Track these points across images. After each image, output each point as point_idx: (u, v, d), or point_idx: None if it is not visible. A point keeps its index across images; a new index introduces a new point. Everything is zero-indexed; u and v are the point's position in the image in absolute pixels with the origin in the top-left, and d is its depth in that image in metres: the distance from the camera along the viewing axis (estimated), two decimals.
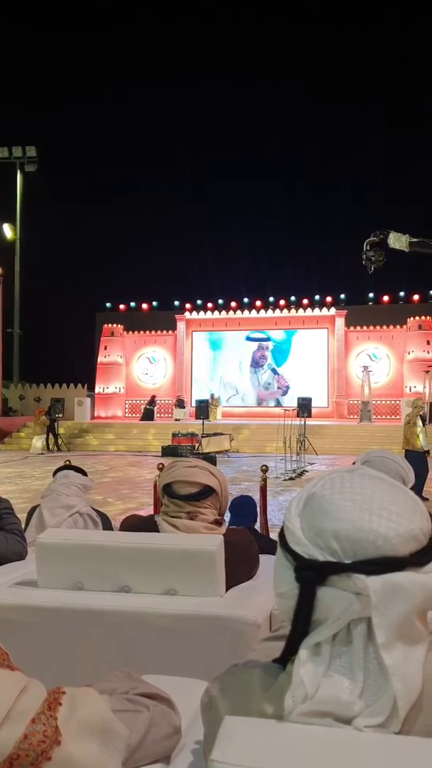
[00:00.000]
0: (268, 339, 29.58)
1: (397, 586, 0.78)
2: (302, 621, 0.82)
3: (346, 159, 44.43)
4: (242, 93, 46.48)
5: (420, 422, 10.23)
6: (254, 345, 29.69)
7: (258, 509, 4.56)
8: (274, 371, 29.41)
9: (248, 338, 29.76)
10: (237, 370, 29.60)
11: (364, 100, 43.44)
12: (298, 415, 17.67)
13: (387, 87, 44.23)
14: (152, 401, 26.83)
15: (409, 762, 0.74)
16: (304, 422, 17.76)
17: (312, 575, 0.81)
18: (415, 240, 7.99)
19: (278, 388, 29.23)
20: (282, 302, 29.73)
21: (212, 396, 26.03)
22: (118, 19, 47.96)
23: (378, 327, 28.48)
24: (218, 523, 2.23)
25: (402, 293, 29.90)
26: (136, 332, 30.71)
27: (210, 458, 14.59)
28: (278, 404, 27.08)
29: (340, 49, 45.12)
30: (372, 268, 8.64)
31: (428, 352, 26.98)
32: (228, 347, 29.85)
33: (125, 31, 46.57)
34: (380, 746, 0.76)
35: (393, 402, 26.71)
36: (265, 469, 6.16)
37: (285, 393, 28.61)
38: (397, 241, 7.81)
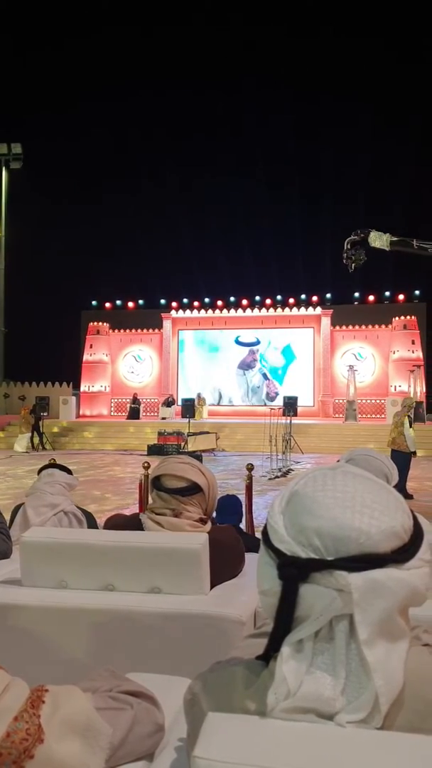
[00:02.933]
0: (258, 343, 29.60)
1: (378, 583, 0.79)
2: (285, 618, 0.82)
3: (332, 158, 44.55)
4: (227, 92, 46.43)
5: (408, 423, 10.25)
6: (244, 349, 29.68)
7: (243, 508, 4.58)
8: (265, 376, 29.41)
9: (237, 342, 29.75)
10: (225, 372, 29.56)
11: (351, 99, 43.54)
12: (283, 414, 17.73)
13: (374, 86, 44.39)
14: (135, 400, 26.76)
15: (391, 757, 0.75)
16: (290, 421, 17.81)
17: (294, 572, 0.81)
18: (395, 239, 8.05)
19: (267, 393, 29.22)
20: (268, 301, 29.80)
21: (199, 396, 26.02)
22: (107, 19, 47.78)
23: (363, 326, 28.64)
24: (203, 522, 2.23)
25: (387, 293, 30.08)
26: (122, 330, 30.64)
27: (196, 457, 14.57)
28: (264, 404, 27.16)
29: (327, 49, 45.22)
30: (353, 267, 8.69)
31: (413, 352, 27.18)
32: (215, 348, 29.83)
33: (113, 31, 46.30)
34: (362, 741, 0.77)
35: (378, 401, 26.88)
36: (250, 468, 6.16)
37: (273, 399, 28.61)
38: (378, 239, 7.86)
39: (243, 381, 29.61)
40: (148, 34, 48.20)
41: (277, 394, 28.51)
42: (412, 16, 41.60)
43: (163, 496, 2.22)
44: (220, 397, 29.28)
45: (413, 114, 42.58)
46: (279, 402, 25.93)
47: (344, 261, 8.74)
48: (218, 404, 28.81)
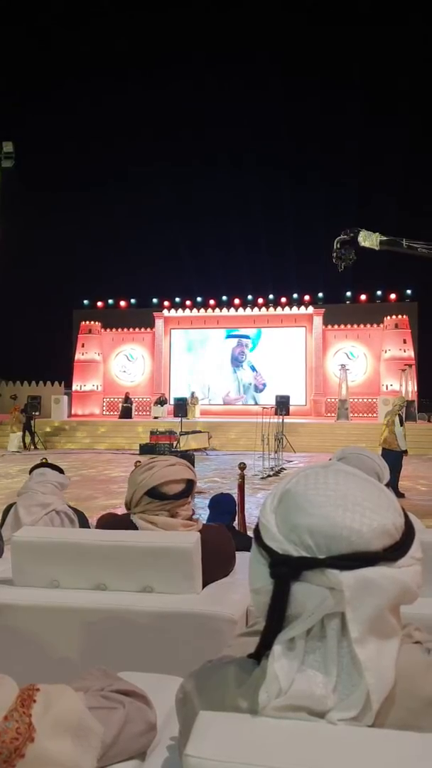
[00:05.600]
0: (248, 337, 29.69)
1: (370, 581, 0.79)
2: (276, 616, 0.83)
3: (325, 157, 44.61)
4: (219, 89, 46.37)
5: (398, 422, 10.28)
6: (233, 341, 29.73)
7: (236, 507, 4.58)
8: (253, 368, 29.48)
9: (228, 335, 29.78)
10: (216, 370, 29.56)
11: (345, 98, 43.61)
12: (276, 413, 17.73)
13: (370, 85, 44.48)
14: (127, 399, 26.72)
15: (382, 754, 0.75)
16: (282, 420, 17.82)
17: (286, 571, 0.81)
18: (385, 238, 8.07)
19: (255, 386, 29.31)
20: (260, 300, 29.84)
21: (192, 394, 26.00)
22: (96, 13, 47.61)
23: (355, 326, 28.71)
24: (191, 519, 2.23)
25: (379, 292, 30.18)
26: (114, 330, 30.59)
27: (188, 456, 14.59)
28: (255, 402, 27.19)
29: (323, 45, 45.19)
30: (342, 266, 8.71)
31: (404, 351, 27.27)
32: (207, 346, 29.85)
33: (101, 24, 46.04)
34: (353, 739, 0.77)
35: (370, 400, 26.95)
36: (243, 467, 6.17)
37: (261, 390, 28.67)
38: (368, 239, 7.88)
39: (235, 378, 29.65)
40: (141, 27, 47.94)
41: (264, 385, 28.60)
42: (408, 12, 41.64)
43: (157, 501, 2.19)
44: (209, 391, 29.27)
45: (408, 112, 42.70)
46: (267, 394, 26.05)
47: (334, 260, 8.77)
48: (203, 399, 28.82)
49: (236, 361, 29.68)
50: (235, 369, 29.64)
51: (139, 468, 2.28)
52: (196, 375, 29.46)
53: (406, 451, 10.40)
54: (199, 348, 30.00)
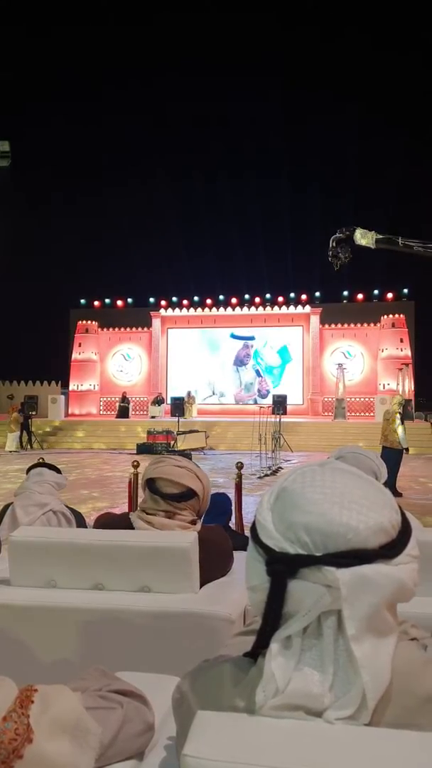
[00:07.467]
0: (253, 338, 29.63)
1: (366, 579, 0.79)
2: (273, 614, 0.83)
3: (321, 156, 44.63)
4: (216, 88, 46.26)
5: (399, 419, 10.30)
6: (239, 343, 29.69)
7: (233, 506, 4.58)
8: (258, 373, 29.42)
9: (233, 336, 29.74)
10: (220, 369, 29.52)
11: (341, 97, 43.53)
12: (273, 413, 17.75)
13: (365, 83, 44.40)
14: (124, 398, 26.70)
15: (378, 753, 0.75)
16: (280, 419, 17.83)
17: (283, 568, 0.81)
18: (381, 237, 8.08)
19: (258, 390, 29.25)
20: (257, 300, 29.82)
21: (189, 394, 25.98)
22: (92, 12, 47.50)
23: (352, 325, 28.71)
24: (194, 523, 2.23)
25: (376, 291, 30.17)
26: (111, 329, 30.55)
27: (185, 455, 14.57)
28: (255, 402, 27.16)
29: (318, 44, 45.16)
30: (338, 265, 8.71)
31: (401, 350, 27.30)
32: (211, 345, 29.82)
33: (97, 24, 45.97)
34: (350, 738, 0.77)
35: (367, 399, 26.97)
36: (240, 467, 6.16)
37: (264, 396, 28.62)
38: (364, 237, 7.90)
39: (237, 377, 29.62)
40: (132, 27, 47.77)
41: (268, 392, 28.54)
42: (401, 10, 41.63)
43: (156, 499, 2.20)
44: (213, 392, 29.24)
45: (403, 111, 42.70)
46: (269, 400, 26.03)
47: (330, 259, 8.77)
48: (212, 395, 28.66)
49: (240, 362, 29.64)
50: (238, 368, 29.59)
51: (154, 460, 2.32)
52: (198, 374, 29.32)
53: (407, 449, 10.41)
54: (200, 347, 29.90)
